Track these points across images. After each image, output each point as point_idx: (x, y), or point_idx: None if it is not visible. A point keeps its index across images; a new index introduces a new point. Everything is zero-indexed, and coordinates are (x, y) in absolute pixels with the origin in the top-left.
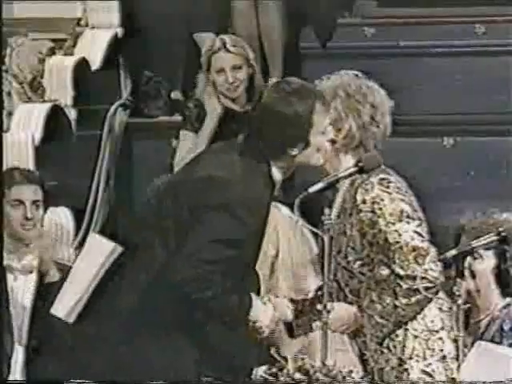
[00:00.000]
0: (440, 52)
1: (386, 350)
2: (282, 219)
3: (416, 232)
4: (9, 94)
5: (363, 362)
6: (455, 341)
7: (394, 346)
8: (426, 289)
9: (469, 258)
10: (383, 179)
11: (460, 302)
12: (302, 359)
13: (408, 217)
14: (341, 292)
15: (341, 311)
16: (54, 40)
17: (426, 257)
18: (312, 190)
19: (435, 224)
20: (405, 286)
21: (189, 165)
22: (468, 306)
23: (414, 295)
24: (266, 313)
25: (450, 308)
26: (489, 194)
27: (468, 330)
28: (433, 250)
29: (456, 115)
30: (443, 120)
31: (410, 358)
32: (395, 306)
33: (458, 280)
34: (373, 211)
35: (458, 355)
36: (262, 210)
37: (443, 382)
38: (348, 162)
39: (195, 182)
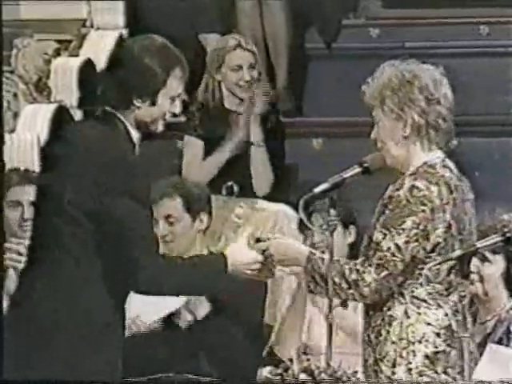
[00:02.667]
0: (445, 53)
1: (366, 346)
2: (288, 220)
3: (396, 245)
4: (15, 95)
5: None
6: (427, 357)
7: (377, 344)
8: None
9: (477, 262)
10: (414, 187)
11: (465, 302)
12: (307, 360)
13: (403, 230)
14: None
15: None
16: (59, 41)
17: (382, 271)
18: (317, 190)
19: None
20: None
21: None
22: (475, 307)
23: (344, 285)
24: (242, 252)
25: (447, 327)
26: (494, 195)
27: (473, 330)
28: (394, 273)
29: (460, 116)
30: None
31: (381, 361)
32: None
33: (463, 281)
34: (386, 206)
35: (424, 371)
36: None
37: (450, 381)
38: (418, 151)
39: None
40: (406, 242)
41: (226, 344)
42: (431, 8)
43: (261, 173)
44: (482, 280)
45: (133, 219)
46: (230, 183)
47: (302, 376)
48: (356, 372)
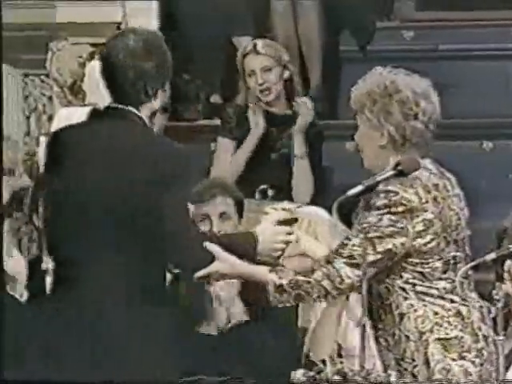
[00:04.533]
0: (478, 55)
1: (385, 350)
2: (321, 222)
3: (369, 239)
4: (49, 98)
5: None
6: (441, 345)
7: (394, 345)
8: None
9: (509, 261)
10: (389, 191)
11: (500, 305)
12: (341, 362)
13: (378, 227)
14: None
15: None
16: (93, 44)
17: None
18: (351, 192)
19: (473, 227)
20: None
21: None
22: (508, 309)
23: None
24: (270, 228)
25: (456, 314)
26: None
27: (507, 333)
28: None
29: (495, 118)
30: (482, 123)
31: (402, 360)
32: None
33: (498, 283)
34: (363, 213)
35: (441, 359)
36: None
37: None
38: (394, 158)
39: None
40: (379, 237)
41: (260, 346)
42: (465, 10)
43: (302, 185)
44: None
45: (173, 208)
46: (263, 186)
47: (335, 378)
48: (389, 375)
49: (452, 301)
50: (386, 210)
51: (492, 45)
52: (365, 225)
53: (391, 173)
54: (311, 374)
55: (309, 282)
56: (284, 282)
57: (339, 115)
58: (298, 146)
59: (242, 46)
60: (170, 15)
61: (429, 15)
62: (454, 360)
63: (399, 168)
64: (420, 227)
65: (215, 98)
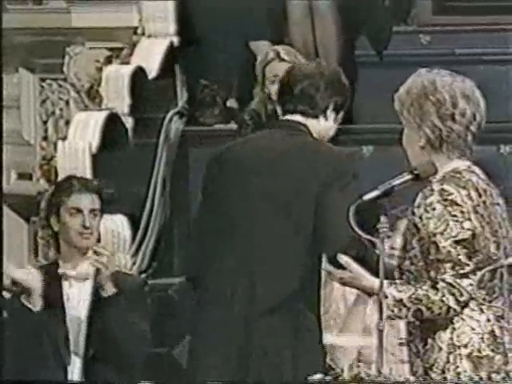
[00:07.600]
0: (496, 59)
1: (415, 357)
2: None
3: (453, 246)
4: (67, 102)
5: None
6: (472, 362)
7: (424, 353)
8: (452, 295)
9: None
10: (444, 190)
11: None
12: (358, 367)
13: (449, 233)
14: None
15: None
16: (110, 49)
17: (464, 268)
18: (367, 197)
19: None
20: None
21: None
22: None
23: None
24: None
25: (490, 332)
26: None
27: None
28: (470, 266)
29: None
30: (500, 127)
31: (430, 369)
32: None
33: None
34: (420, 217)
35: (471, 376)
36: None
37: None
38: (442, 161)
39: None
40: (456, 242)
41: (277, 347)
42: (482, 15)
43: None
44: None
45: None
46: None
47: None
48: (407, 380)
49: (488, 319)
50: (445, 212)
51: (510, 49)
52: (437, 231)
53: (407, 177)
54: (328, 378)
55: (429, 298)
56: (404, 296)
57: (355, 120)
58: None
59: (259, 51)
60: (186, 20)
61: (446, 19)
62: (481, 379)
63: (415, 172)
64: (478, 228)
65: (231, 103)
